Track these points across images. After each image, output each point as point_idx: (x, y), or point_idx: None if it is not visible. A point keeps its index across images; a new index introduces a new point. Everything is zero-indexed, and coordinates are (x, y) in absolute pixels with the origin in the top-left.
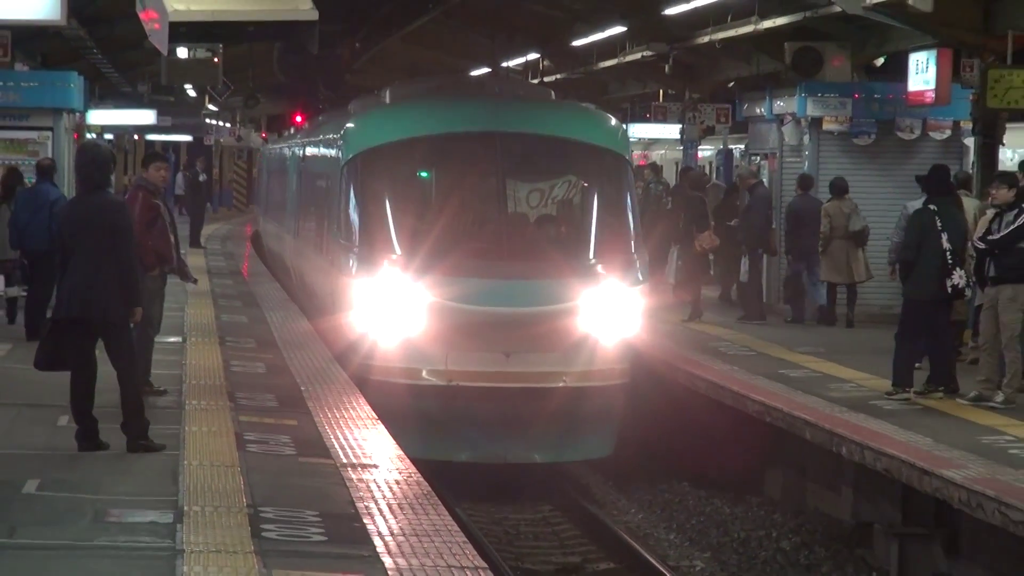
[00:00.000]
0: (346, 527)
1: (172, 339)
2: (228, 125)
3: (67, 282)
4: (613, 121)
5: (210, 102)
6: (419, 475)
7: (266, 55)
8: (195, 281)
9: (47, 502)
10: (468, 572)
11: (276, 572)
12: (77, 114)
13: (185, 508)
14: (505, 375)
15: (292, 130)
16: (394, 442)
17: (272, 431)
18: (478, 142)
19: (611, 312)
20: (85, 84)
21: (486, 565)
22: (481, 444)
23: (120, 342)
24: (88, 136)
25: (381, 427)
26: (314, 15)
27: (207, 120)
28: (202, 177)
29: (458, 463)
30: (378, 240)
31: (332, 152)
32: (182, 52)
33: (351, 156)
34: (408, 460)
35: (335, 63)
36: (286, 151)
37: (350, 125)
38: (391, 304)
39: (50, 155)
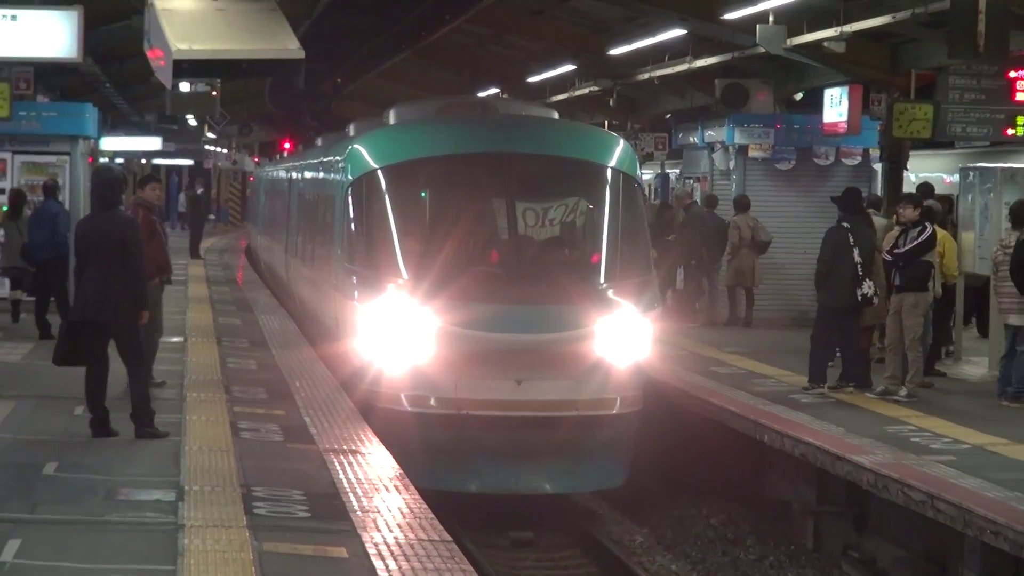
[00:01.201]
0: (328, 505)
1: (175, 339)
2: (225, 150)
3: (82, 288)
4: (621, 141)
5: (209, 130)
6: (392, 460)
7: (259, 89)
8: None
9: (64, 482)
10: (434, 545)
11: (266, 544)
12: (92, 140)
13: (186, 488)
14: (516, 403)
15: (284, 154)
16: (369, 429)
17: (263, 420)
18: (485, 163)
19: (625, 339)
20: (99, 114)
21: (451, 539)
22: (491, 474)
23: (129, 341)
24: (101, 160)
25: (359, 416)
26: (300, 54)
27: (206, 146)
28: (199, 190)
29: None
30: (384, 263)
31: (334, 173)
32: (184, 86)
33: (356, 177)
34: (382, 446)
35: (319, 96)
36: (282, 172)
37: (354, 146)
38: (398, 329)
39: (68, 177)
